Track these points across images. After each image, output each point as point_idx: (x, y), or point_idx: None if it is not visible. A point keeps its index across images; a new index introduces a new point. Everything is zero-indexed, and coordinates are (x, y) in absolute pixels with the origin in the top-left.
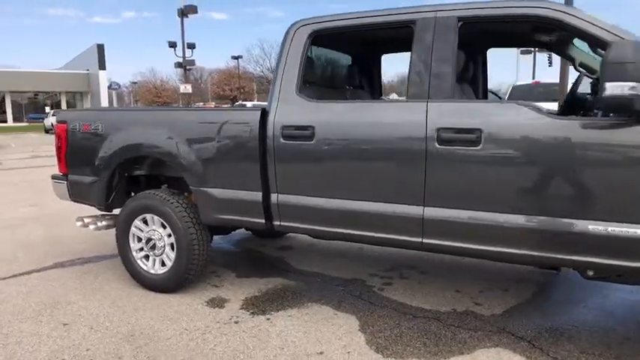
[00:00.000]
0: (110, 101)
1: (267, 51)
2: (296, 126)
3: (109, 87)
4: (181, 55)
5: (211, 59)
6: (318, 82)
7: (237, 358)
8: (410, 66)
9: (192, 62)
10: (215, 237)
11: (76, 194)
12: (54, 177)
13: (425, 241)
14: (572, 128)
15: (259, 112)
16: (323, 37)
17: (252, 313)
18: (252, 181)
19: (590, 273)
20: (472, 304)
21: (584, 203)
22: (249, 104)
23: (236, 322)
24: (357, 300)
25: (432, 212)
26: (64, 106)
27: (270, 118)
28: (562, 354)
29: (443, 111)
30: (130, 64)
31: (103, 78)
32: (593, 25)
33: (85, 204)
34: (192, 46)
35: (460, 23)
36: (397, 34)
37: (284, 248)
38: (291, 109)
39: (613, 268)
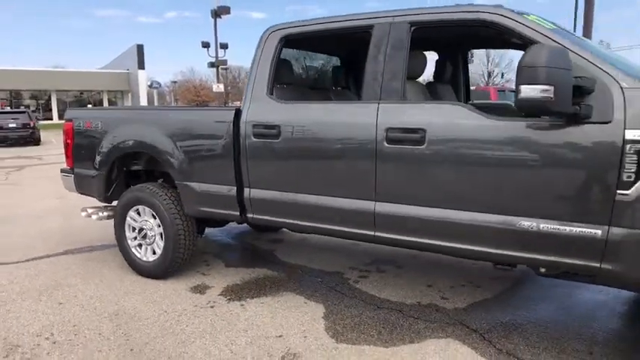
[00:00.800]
0: (150, 100)
1: None
2: (264, 125)
3: (150, 86)
4: (214, 55)
5: (249, 59)
6: (296, 83)
7: (203, 338)
8: (365, 68)
9: (225, 62)
10: (213, 229)
11: (81, 187)
12: (62, 170)
13: (376, 234)
14: (504, 129)
15: (233, 111)
16: (297, 40)
17: (229, 299)
18: (227, 177)
19: (543, 270)
20: (439, 298)
21: (516, 201)
22: None
23: (212, 307)
24: (330, 291)
25: (382, 207)
26: (105, 104)
27: (243, 117)
28: (508, 347)
29: (392, 112)
30: (172, 63)
31: (142, 77)
32: (529, 28)
33: (90, 196)
34: (224, 46)
35: (413, 28)
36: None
37: (276, 241)
38: (261, 109)
39: (547, 263)
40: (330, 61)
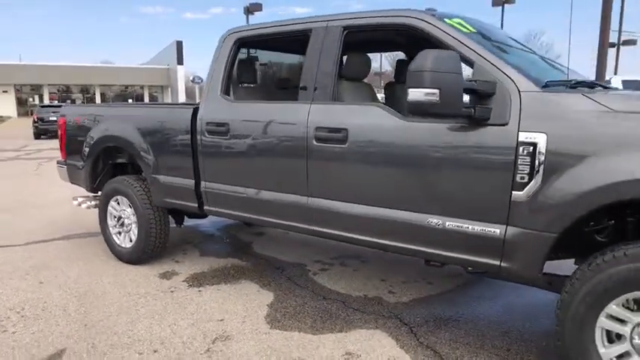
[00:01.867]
0: (191, 95)
1: None
2: (216, 123)
3: (192, 81)
4: None
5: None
6: (262, 83)
7: (152, 318)
8: (302, 70)
9: (256, 58)
10: (202, 221)
11: (72, 177)
12: (58, 162)
13: (311, 227)
14: (414, 130)
15: (192, 109)
16: (252, 42)
17: (189, 285)
18: (187, 170)
19: (469, 268)
20: (386, 292)
21: (424, 199)
22: None
23: (172, 292)
24: (287, 281)
25: (315, 202)
26: (146, 99)
27: (199, 115)
28: (430, 340)
29: (321, 112)
30: None
31: (181, 73)
32: (445, 33)
33: (79, 186)
34: None
35: (345, 32)
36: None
37: (258, 234)
38: (214, 107)
39: (454, 260)
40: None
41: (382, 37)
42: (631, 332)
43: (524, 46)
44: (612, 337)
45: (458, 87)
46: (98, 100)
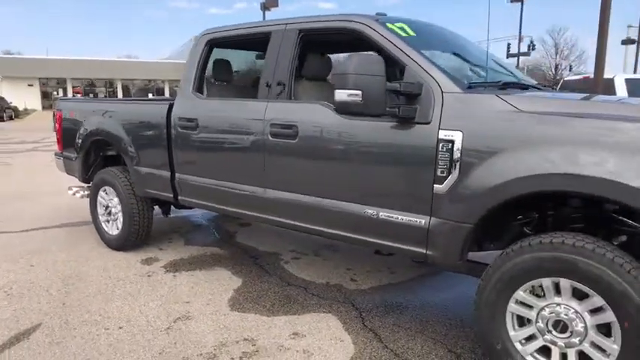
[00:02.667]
0: None
1: None
2: (187, 118)
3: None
4: None
5: None
6: (236, 81)
7: (125, 299)
8: (263, 69)
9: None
10: (193, 211)
11: (68, 168)
12: (55, 154)
13: (268, 217)
14: (351, 127)
15: (167, 105)
16: (223, 43)
17: (167, 270)
18: (163, 163)
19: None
20: (348, 280)
21: (361, 191)
22: None
23: (149, 276)
24: (258, 268)
25: (270, 194)
26: (167, 93)
27: (173, 110)
28: (375, 324)
29: (276, 109)
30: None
31: None
32: (383, 37)
33: (74, 176)
34: None
35: (301, 34)
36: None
37: (244, 225)
38: (186, 104)
39: (388, 248)
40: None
41: (337, 40)
42: (536, 316)
43: (482, 51)
44: (524, 321)
45: (380, 88)
46: (120, 94)
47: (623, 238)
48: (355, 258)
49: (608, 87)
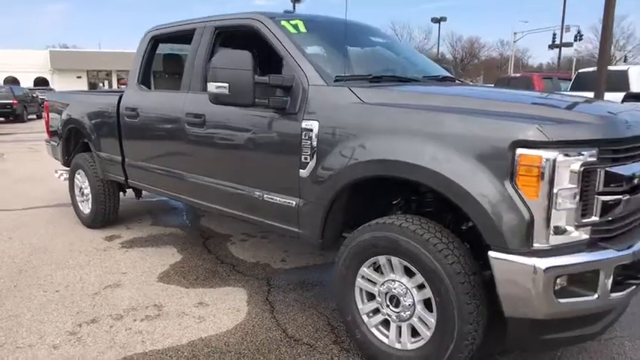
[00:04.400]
0: None
1: (399, 32)
2: (130, 108)
3: None
4: None
5: None
6: (180, 74)
7: (73, 269)
8: (185, 64)
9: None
10: None
11: (54, 153)
12: (45, 140)
13: (190, 199)
14: (241, 116)
15: (118, 96)
16: (166, 39)
17: (122, 246)
18: (116, 148)
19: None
20: (279, 260)
21: (249, 175)
22: None
23: (104, 250)
24: (202, 247)
25: (189, 177)
26: None
27: (122, 101)
28: (277, 298)
29: (192, 100)
30: None
31: None
32: (272, 34)
33: (58, 160)
34: None
35: (217, 31)
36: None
37: None
38: (131, 95)
39: (274, 228)
40: None
41: (251, 36)
42: (378, 291)
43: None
44: (371, 296)
45: (247, 81)
46: None
47: (470, 223)
48: (297, 241)
49: (621, 79)
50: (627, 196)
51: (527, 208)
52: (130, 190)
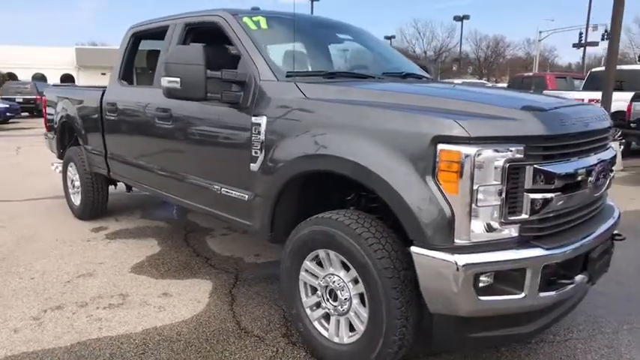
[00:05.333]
0: None
1: (422, 30)
2: (111, 103)
3: None
4: None
5: None
6: (150, 70)
7: (54, 258)
8: (159, 59)
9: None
10: None
11: (50, 147)
12: (44, 134)
13: (163, 193)
14: (200, 111)
15: (101, 92)
16: (146, 35)
17: (106, 237)
18: (100, 142)
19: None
20: (252, 254)
21: (208, 169)
22: None
23: (88, 241)
24: (181, 241)
25: (160, 171)
26: None
27: (104, 96)
28: (241, 291)
29: (161, 95)
30: None
31: None
32: (232, 30)
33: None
34: None
35: (187, 28)
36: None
37: None
38: (112, 90)
39: (233, 222)
40: None
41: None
42: (319, 285)
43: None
44: (315, 290)
45: (199, 76)
46: None
47: None
48: None
49: (636, 78)
50: (560, 194)
51: (448, 203)
52: (122, 183)
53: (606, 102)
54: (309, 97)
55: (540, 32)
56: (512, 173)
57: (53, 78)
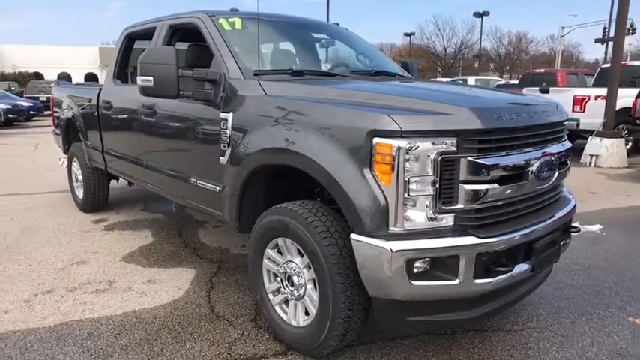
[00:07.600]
0: None
1: (442, 27)
2: (106, 100)
3: None
4: None
5: (388, 35)
6: None
7: (53, 247)
8: None
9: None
10: None
11: (57, 143)
12: (52, 131)
13: (150, 186)
14: (178, 108)
15: (98, 90)
16: (139, 36)
17: (105, 229)
18: (97, 138)
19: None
20: (239, 246)
21: (183, 161)
22: None
23: (87, 232)
24: (175, 232)
25: (146, 164)
26: None
27: (100, 94)
28: (221, 280)
29: None
30: None
31: None
32: (207, 31)
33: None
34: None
35: (172, 29)
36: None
37: None
38: (107, 88)
39: (208, 213)
40: None
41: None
42: (279, 271)
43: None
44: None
45: (171, 75)
46: None
47: None
48: None
49: None
50: (497, 186)
51: (383, 194)
52: None
53: (611, 98)
54: (268, 94)
55: (563, 28)
56: (445, 165)
57: (78, 77)
